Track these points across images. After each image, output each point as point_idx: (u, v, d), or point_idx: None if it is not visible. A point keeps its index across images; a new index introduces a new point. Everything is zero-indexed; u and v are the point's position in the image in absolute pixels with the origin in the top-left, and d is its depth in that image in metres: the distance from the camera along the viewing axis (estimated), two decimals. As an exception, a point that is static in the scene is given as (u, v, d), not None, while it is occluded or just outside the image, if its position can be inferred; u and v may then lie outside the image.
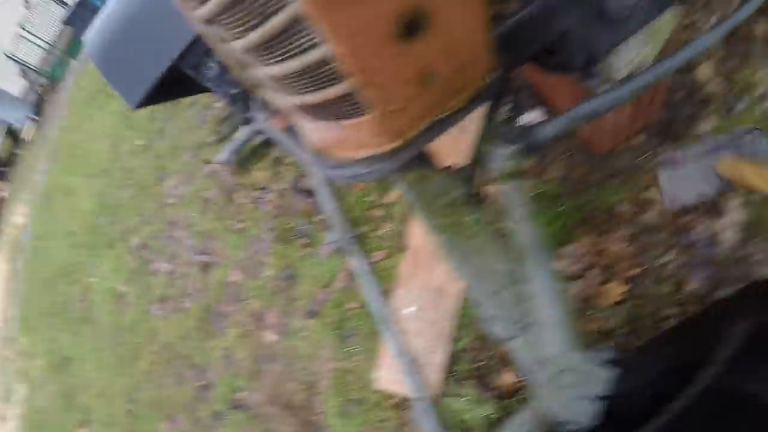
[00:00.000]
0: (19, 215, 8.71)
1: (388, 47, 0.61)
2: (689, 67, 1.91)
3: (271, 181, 3.02)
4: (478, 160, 1.05)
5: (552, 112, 2.08)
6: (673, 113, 1.90)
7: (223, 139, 3.56)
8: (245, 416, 2.74)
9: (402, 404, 2.12)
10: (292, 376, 2.53)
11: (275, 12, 0.57)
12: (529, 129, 1.01)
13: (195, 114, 4.10)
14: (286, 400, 2.53)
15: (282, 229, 2.80)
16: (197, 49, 1.61)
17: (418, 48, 0.64)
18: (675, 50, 1.07)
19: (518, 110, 2.18)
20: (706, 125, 1.83)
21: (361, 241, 2.35)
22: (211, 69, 2.01)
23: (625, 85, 1.04)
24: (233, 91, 2.00)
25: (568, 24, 0.98)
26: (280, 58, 0.63)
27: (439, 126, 0.80)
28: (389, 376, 2.14)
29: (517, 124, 1.06)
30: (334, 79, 0.64)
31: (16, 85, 11.35)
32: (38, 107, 11.18)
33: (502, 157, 1.00)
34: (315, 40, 0.58)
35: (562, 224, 1.96)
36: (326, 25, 0.55)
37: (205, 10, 0.61)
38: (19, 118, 11.06)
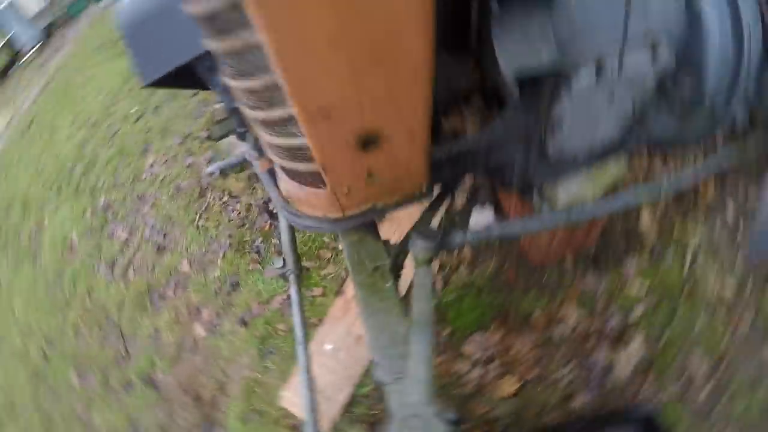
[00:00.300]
0: (-9, 129, 8.67)
1: (347, 151, 0.87)
2: (631, 210, 2.24)
3: (243, 193, 3.29)
4: (405, 242, 1.35)
5: (499, 213, 2.40)
6: (606, 246, 2.23)
7: (211, 138, 3.81)
8: (154, 395, 2.95)
9: (298, 427, 2.38)
10: (208, 373, 2.77)
11: (278, 104, 0.81)
12: (446, 233, 1.28)
13: (194, 104, 4.35)
14: (195, 392, 2.76)
15: (240, 239, 3.08)
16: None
17: (368, 156, 0.89)
18: (616, 194, 1.30)
19: (473, 203, 2.51)
20: (632, 265, 2.17)
21: (304, 275, 2.64)
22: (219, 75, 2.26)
23: (558, 215, 1.27)
24: (233, 105, 2.25)
25: (510, 157, 1.21)
26: (272, 133, 0.91)
27: (375, 212, 1.08)
28: (294, 398, 2.41)
29: (436, 225, 1.32)
30: (306, 159, 0.91)
31: (33, 4, 11.30)
32: (47, 34, 11.16)
33: (419, 246, 1.24)
34: (298, 133, 0.87)
35: (481, 313, 2.26)
36: (307, 130, 0.80)
37: (213, 45, 0.81)
38: (26, 36, 10.99)
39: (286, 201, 1.13)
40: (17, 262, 4.96)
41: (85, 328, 3.67)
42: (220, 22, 0.71)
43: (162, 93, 4.84)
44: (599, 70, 1.03)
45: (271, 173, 1.22)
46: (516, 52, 0.98)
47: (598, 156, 1.28)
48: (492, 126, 1.16)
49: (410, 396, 1.15)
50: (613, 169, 1.36)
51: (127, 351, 3.27)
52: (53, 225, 4.83)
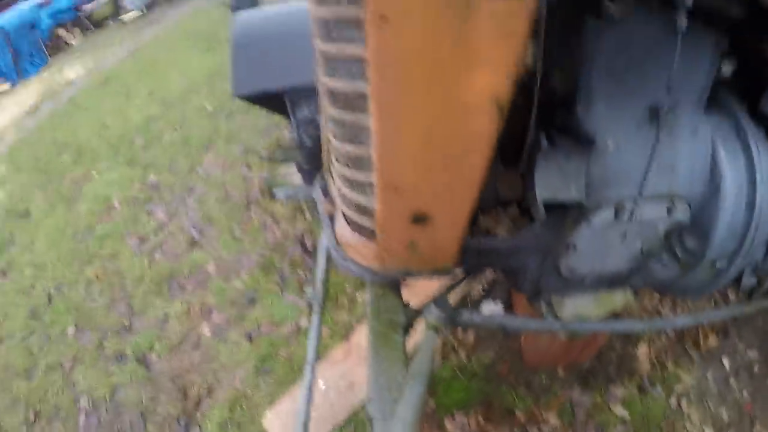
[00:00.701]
0: (72, 72, 9.04)
1: (401, 221, 1.08)
2: (631, 338, 2.41)
3: (285, 220, 3.52)
4: (421, 308, 1.55)
5: (508, 310, 2.59)
6: (599, 366, 2.40)
7: (271, 160, 4.08)
8: (143, 374, 3.10)
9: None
10: (202, 372, 2.94)
11: (364, 169, 1.03)
12: (458, 310, 1.44)
13: (265, 123, 4.63)
14: (184, 386, 2.92)
15: (269, 261, 3.29)
16: (309, 89, 1.97)
17: (415, 230, 1.09)
18: (617, 319, 1.48)
19: (488, 295, 2.72)
20: (619, 389, 2.33)
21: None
22: (304, 111, 2.46)
23: (558, 323, 1.45)
24: (305, 142, 2.45)
25: (527, 264, 1.38)
26: (351, 188, 1.13)
27: (406, 274, 1.28)
28: (276, 421, 2.56)
29: (452, 301, 1.51)
30: (370, 216, 1.11)
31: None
32: (150, 6, 11.75)
33: (433, 313, 1.43)
34: (371, 196, 1.06)
35: (468, 396, 2.41)
36: (378, 196, 1.02)
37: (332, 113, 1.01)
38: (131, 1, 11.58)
39: (338, 243, 1.34)
40: (53, 202, 5.20)
41: (98, 287, 3.85)
42: (348, 99, 0.95)
43: (240, 103, 5.12)
44: (617, 212, 1.21)
45: (331, 216, 1.42)
46: (550, 183, 1.19)
47: (605, 284, 1.44)
48: (518, 234, 1.36)
49: None
50: (619, 297, 1.53)
51: (131, 324, 3.44)
52: (99, 182, 5.08)
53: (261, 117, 4.64)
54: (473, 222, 1.49)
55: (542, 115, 1.16)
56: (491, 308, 2.65)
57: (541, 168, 1.19)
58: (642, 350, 2.39)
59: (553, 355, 2.34)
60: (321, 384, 2.60)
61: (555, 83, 1.22)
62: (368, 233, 1.17)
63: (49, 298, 4.04)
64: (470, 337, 2.61)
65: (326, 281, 1.82)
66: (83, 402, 3.20)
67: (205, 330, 3.14)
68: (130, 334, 3.39)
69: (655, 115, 1.14)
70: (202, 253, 3.63)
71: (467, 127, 0.88)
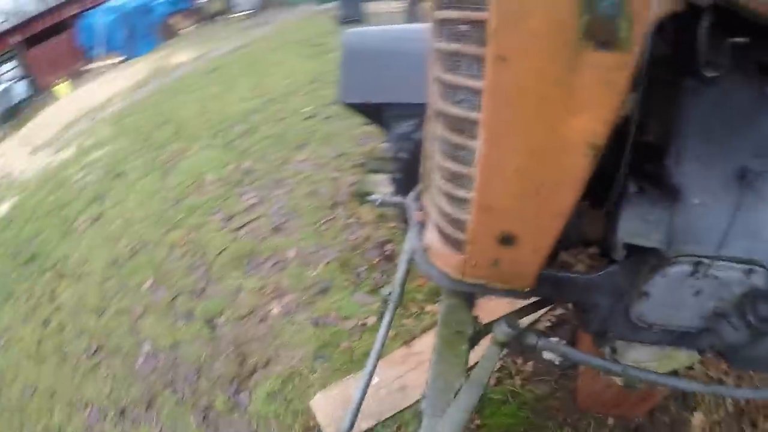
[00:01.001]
0: (181, 56, 9.63)
1: (489, 239, 1.15)
2: (688, 405, 2.37)
3: (369, 224, 3.67)
4: (491, 325, 1.64)
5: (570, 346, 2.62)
6: (650, 425, 2.39)
7: (363, 167, 4.25)
8: (207, 335, 3.28)
9: (311, 429, 2.62)
10: (263, 345, 3.08)
11: (465, 187, 1.14)
12: (526, 332, 1.47)
13: (361, 132, 4.81)
14: (243, 353, 3.08)
15: (347, 259, 3.44)
16: (409, 106, 2.16)
17: (501, 249, 1.16)
18: (680, 377, 1.47)
19: (552, 330, 2.77)
20: None
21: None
22: (403, 127, 2.61)
23: (618, 366, 1.44)
24: (401, 155, 2.58)
25: (598, 301, 1.40)
26: (448, 202, 1.24)
27: (482, 289, 1.31)
28: (324, 407, 2.66)
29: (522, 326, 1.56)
30: (461, 230, 1.19)
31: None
32: (261, 7, 12.39)
33: (502, 329, 1.46)
34: (466, 212, 1.17)
35: (513, 424, 2.42)
36: (473, 214, 1.12)
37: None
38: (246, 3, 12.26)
39: (425, 249, 1.45)
40: (149, 168, 5.56)
41: (180, 251, 4.10)
42: (459, 123, 1.08)
43: (338, 110, 5.36)
44: (695, 267, 1.21)
45: (422, 224, 1.51)
46: (633, 227, 1.20)
47: (672, 339, 1.43)
48: (595, 272, 1.36)
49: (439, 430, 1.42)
50: (684, 356, 1.51)
51: (204, 289, 3.64)
52: (196, 158, 5.40)
53: (356, 126, 4.83)
54: (555, 255, 1.49)
55: (634, 161, 1.21)
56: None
57: (626, 211, 1.22)
58: (697, 419, 2.37)
59: (607, 402, 2.34)
60: (375, 379, 2.71)
61: (650, 132, 1.27)
62: (456, 244, 1.25)
63: (132, 252, 4.32)
64: (528, 366, 2.66)
65: (404, 284, 1.93)
66: (145, 347, 3.40)
67: (275, 308, 3.29)
68: (202, 298, 3.59)
69: (742, 178, 1.16)
70: (284, 240, 3.81)
71: (562, 163, 0.99)
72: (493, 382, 2.63)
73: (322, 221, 3.86)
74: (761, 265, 1.22)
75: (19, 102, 9.62)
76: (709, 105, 1.13)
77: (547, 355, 2.45)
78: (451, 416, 1.49)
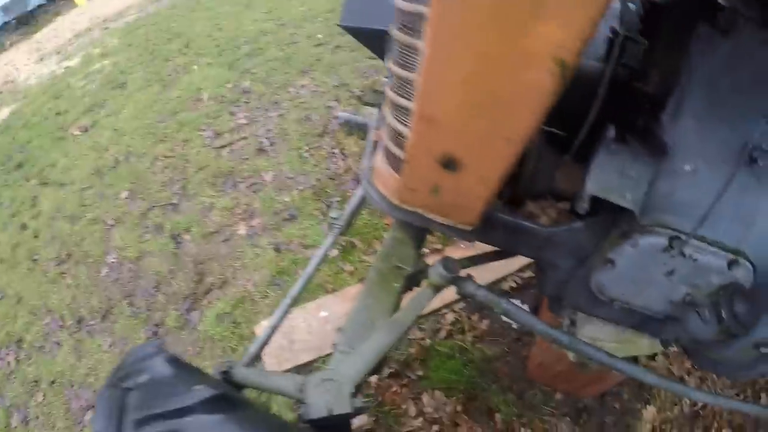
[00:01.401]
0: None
1: (429, 160, 0.98)
2: (642, 396, 2.22)
3: (352, 157, 3.48)
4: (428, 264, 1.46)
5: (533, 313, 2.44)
6: (598, 408, 2.23)
7: (360, 100, 4.04)
8: (172, 249, 3.21)
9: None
10: (222, 265, 3.00)
11: (406, 96, 0.97)
12: (464, 277, 1.30)
13: (367, 66, 4.56)
14: (202, 271, 3.00)
15: (322, 188, 3.29)
16: None
17: (442, 174, 1.00)
18: (638, 365, 1.24)
19: (515, 292, 2.60)
20: None
21: (348, 249, 2.84)
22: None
23: (566, 337, 1.26)
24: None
25: (557, 261, 1.25)
26: (393, 115, 1.05)
27: (419, 219, 1.15)
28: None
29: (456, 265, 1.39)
30: (401, 147, 1.03)
31: None
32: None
33: (437, 271, 1.28)
34: (407, 124, 0.99)
35: (457, 381, 2.29)
36: (413, 125, 0.95)
37: (395, 34, 0.97)
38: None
39: (371, 170, 1.27)
40: (150, 81, 5.40)
41: (162, 164, 3.98)
42: (408, 20, 0.90)
43: (349, 39, 5.11)
44: (671, 243, 1.03)
45: (375, 146, 1.33)
46: (605, 179, 1.02)
47: (634, 320, 1.28)
48: (558, 227, 1.22)
49: (345, 366, 1.26)
50: (645, 344, 1.36)
51: (178, 204, 3.53)
52: (198, 74, 5.22)
53: (364, 59, 4.60)
54: (520, 202, 1.34)
55: (623, 108, 1.06)
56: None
57: (600, 160, 1.03)
58: (649, 412, 2.18)
59: (557, 376, 2.16)
60: (324, 313, 2.58)
61: (650, 82, 1.11)
62: (396, 164, 1.09)
63: (116, 163, 4.21)
64: (483, 325, 2.50)
65: (356, 212, 1.76)
66: (111, 257, 3.33)
67: (241, 229, 3.17)
68: (174, 212, 3.49)
69: (746, 153, 0.98)
70: (265, 162, 3.66)
71: (521, 78, 0.80)
72: (443, 334, 2.49)
73: (306, 148, 3.68)
74: (747, 259, 1.03)
75: (34, 9, 9.40)
76: (721, 60, 0.95)
77: (505, 317, 2.26)
78: (362, 355, 1.33)
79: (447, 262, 1.30)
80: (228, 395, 0.98)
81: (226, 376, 1.23)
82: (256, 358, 1.63)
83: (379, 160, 1.22)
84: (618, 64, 1.11)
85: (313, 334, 2.50)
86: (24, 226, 3.92)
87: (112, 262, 3.31)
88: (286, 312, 1.70)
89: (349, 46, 4.96)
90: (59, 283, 3.34)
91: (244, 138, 3.98)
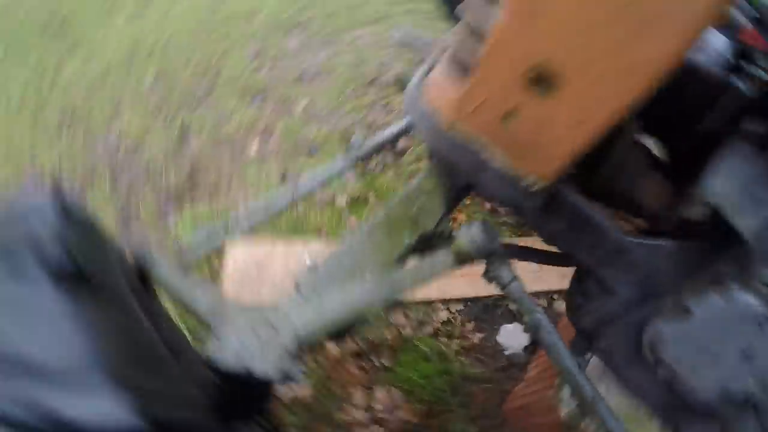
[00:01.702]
0: None
1: (511, 71, 0.72)
2: None
3: (394, 111, 3.19)
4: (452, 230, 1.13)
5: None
6: None
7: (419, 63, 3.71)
8: (174, 144, 2.95)
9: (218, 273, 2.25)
10: (218, 177, 2.76)
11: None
12: (498, 251, 0.98)
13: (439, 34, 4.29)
14: (196, 178, 2.74)
15: (350, 133, 2.99)
16: None
17: (524, 94, 0.73)
18: None
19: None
20: None
21: (361, 201, 2.56)
22: None
23: (591, 394, 0.95)
24: None
25: (616, 282, 0.94)
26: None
27: (472, 155, 0.85)
28: (239, 255, 2.29)
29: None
30: (477, 44, 0.76)
31: None
32: None
33: (468, 235, 0.98)
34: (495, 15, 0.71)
35: (422, 387, 2.03)
36: (503, 17, 0.69)
37: None
38: None
39: (421, 88, 0.95)
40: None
41: (194, 65, 3.69)
42: None
43: (422, 6, 4.76)
44: None
45: (433, 63, 1.01)
46: (722, 188, 0.75)
47: (663, 401, 0.96)
48: (641, 238, 0.89)
49: (297, 314, 1.00)
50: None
51: (198, 103, 3.27)
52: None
53: (440, 30, 4.31)
54: (614, 199, 1.00)
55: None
56: (510, 329, 2.19)
57: (730, 160, 0.75)
58: None
59: (536, 427, 1.81)
60: (306, 257, 2.28)
61: None
62: (463, 67, 0.81)
63: (151, 53, 3.93)
64: (475, 338, 2.21)
65: (383, 146, 1.45)
66: (112, 134, 3.09)
67: (253, 147, 2.90)
68: (190, 111, 3.22)
69: None
70: (302, 92, 3.37)
71: None
72: (428, 331, 2.18)
73: (349, 91, 3.38)
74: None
75: None
76: None
77: (501, 338, 1.94)
78: (326, 306, 1.03)
79: (486, 227, 0.98)
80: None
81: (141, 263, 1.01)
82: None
83: (438, 71, 0.91)
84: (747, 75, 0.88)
85: (287, 275, 2.20)
86: (40, 88, 3.67)
87: (112, 138, 3.05)
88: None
89: (421, 11, 4.65)
90: (54, 144, 3.09)
91: (288, 64, 3.69)
